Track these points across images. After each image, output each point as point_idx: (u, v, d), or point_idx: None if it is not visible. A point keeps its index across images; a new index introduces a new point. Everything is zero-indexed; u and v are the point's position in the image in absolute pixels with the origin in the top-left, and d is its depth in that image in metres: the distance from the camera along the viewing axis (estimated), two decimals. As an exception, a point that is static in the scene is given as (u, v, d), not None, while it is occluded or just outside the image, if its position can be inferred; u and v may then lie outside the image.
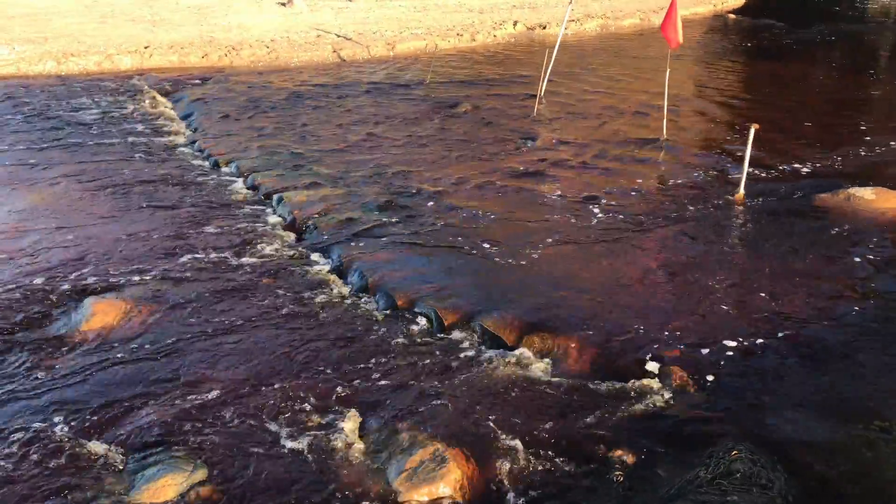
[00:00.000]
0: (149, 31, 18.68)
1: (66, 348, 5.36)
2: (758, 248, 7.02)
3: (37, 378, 5.01)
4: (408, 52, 18.69)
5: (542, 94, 12.87)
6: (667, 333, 5.49)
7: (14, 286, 6.23)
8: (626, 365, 5.14)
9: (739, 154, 9.99)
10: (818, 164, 9.59)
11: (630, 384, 4.92)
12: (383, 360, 5.29)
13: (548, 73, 12.95)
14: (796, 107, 13.11)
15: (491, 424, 4.56)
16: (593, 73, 16.18)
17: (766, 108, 13.07)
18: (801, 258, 6.78)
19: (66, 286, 6.24)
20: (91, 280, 6.35)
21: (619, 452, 4.25)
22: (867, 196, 8.02)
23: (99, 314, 5.71)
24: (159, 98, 13.35)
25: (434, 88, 14.26)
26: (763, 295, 6.08)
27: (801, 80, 15.81)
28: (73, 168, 9.35)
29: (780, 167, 9.47)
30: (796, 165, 9.56)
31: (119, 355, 5.29)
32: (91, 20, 19.75)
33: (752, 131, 8.35)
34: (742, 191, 8.38)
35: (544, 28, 22.20)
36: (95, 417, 4.62)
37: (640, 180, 8.96)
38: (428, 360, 5.27)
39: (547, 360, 5.25)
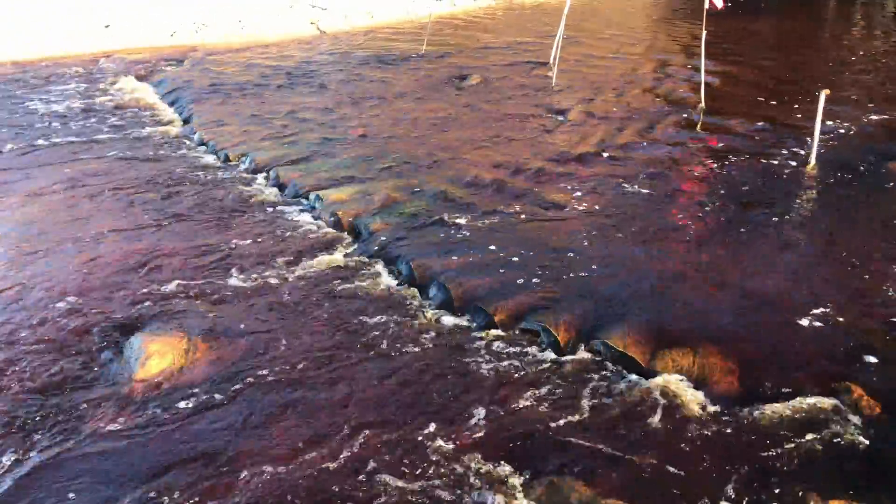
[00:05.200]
0: (107, 9, 17.17)
1: (123, 406, 4.45)
2: (863, 230, 6.43)
3: (93, 453, 4.11)
4: (389, 21, 17.64)
5: (555, 61, 12.07)
6: (816, 339, 4.86)
7: (38, 324, 5.26)
8: (787, 383, 4.49)
9: (784, 120, 9.45)
10: (876, 123, 9.06)
11: (805, 408, 4.27)
12: (500, 393, 4.53)
13: (559, 40, 12.14)
14: (825, 65, 12.61)
15: (662, 477, 3.88)
16: (590, 36, 15.41)
17: (790, 67, 12.53)
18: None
19: (102, 321, 5.30)
20: (130, 311, 5.42)
21: None
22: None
23: (155, 356, 4.81)
24: (137, 83, 12.14)
25: (434, 59, 13.34)
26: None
27: (822, 35, 15.32)
28: (65, 171, 8.25)
29: (838, 130, 8.92)
30: (850, 125, 9.02)
31: (192, 410, 4.41)
32: (45, 2, 18.07)
33: (823, 97, 7.75)
34: (813, 161, 7.80)
35: (523, -10, 21.32)
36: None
37: (700, 157, 8.32)
38: (552, 391, 4.53)
39: (690, 381, 4.57)
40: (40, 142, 9.30)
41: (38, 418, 4.34)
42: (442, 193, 7.30)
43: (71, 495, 3.77)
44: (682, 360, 4.72)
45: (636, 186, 7.47)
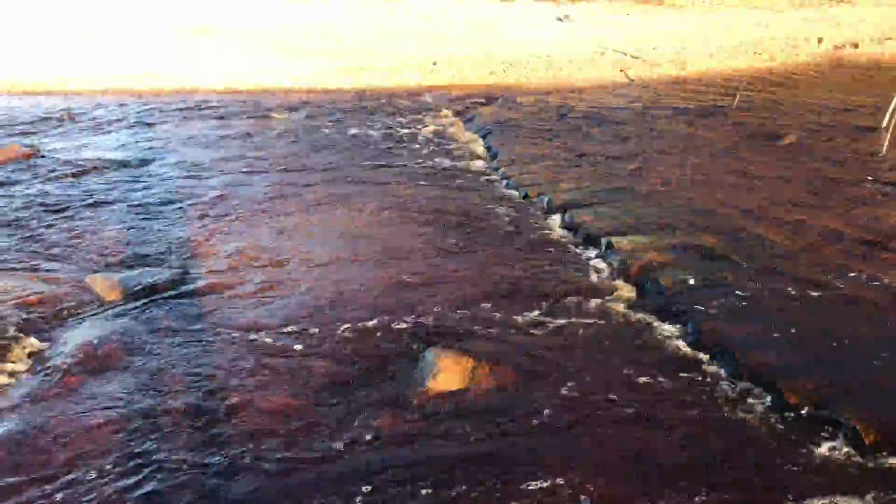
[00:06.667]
0: (431, 48, 18.94)
1: (416, 412, 4.85)
2: None
3: (390, 449, 4.53)
4: (699, 71, 17.20)
5: (889, 127, 10.89)
6: None
7: (348, 328, 5.91)
8: None
9: None
10: None
11: None
12: (788, 488, 4.17)
13: (897, 104, 10.94)
14: None
15: None
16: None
17: None
18: None
19: (398, 331, 5.83)
20: (423, 326, 5.90)
21: None
22: None
23: (445, 371, 5.18)
24: (453, 118, 13.19)
25: (745, 114, 12.74)
26: None
27: None
28: (377, 193, 9.16)
29: None
30: None
31: (477, 424, 4.68)
32: (378, 37, 20.50)
33: None
34: None
35: (856, 47, 19.53)
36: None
37: None
38: (852, 498, 4.06)
39: None
40: (359, 163, 10.45)
41: (335, 412, 4.89)
42: (738, 256, 6.94)
43: (366, 488, 4.19)
44: None
45: (980, 279, 6.45)
